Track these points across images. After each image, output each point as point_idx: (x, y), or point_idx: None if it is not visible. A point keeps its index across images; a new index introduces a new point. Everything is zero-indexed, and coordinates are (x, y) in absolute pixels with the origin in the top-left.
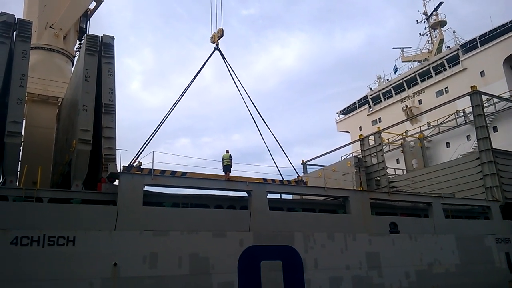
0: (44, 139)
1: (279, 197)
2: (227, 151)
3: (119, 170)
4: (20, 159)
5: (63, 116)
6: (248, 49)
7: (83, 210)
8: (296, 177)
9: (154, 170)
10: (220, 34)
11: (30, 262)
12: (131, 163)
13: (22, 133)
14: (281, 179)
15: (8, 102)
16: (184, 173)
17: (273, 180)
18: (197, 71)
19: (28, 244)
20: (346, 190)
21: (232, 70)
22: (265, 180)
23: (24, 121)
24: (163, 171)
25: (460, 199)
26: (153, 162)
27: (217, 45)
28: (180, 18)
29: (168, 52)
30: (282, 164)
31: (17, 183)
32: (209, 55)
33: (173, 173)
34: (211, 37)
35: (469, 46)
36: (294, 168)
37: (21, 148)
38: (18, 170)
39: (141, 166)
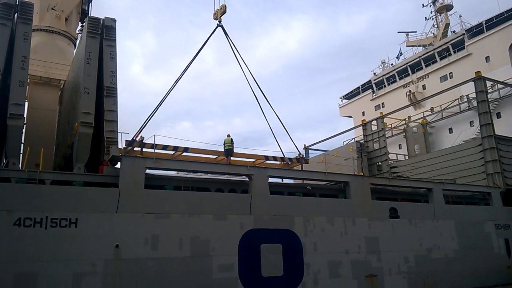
0: (47, 122)
1: (281, 181)
2: (228, 135)
3: (121, 146)
4: (22, 141)
5: (65, 99)
6: (250, 33)
7: (85, 193)
8: (297, 154)
9: (157, 145)
10: (223, 10)
11: (33, 243)
12: (134, 138)
13: (25, 116)
14: (282, 156)
15: (10, 85)
16: (186, 149)
17: (274, 157)
18: (200, 47)
19: (31, 225)
20: (346, 175)
21: (235, 47)
22: (266, 157)
23: (26, 103)
24: (165, 146)
25: (461, 185)
26: (154, 145)
27: (220, 21)
28: (180, 0)
29: (170, 35)
30: (284, 149)
31: (20, 165)
32: (211, 32)
33: (175, 148)
34: (214, 14)
35: (475, 31)
36: (296, 146)
37: (24, 130)
38: (21, 152)
39: (143, 141)
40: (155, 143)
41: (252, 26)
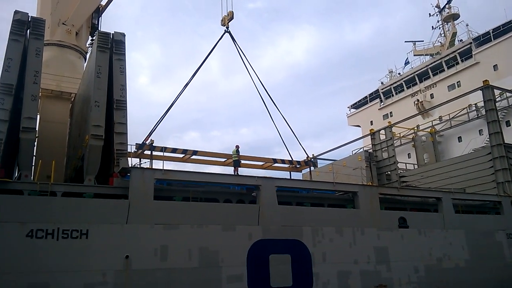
0: (58, 134)
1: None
2: (236, 146)
3: (132, 150)
4: (34, 154)
5: (76, 111)
6: (255, 43)
7: (95, 204)
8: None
9: (166, 148)
10: (230, 16)
11: (44, 254)
12: (144, 141)
13: (37, 129)
14: (291, 159)
15: (23, 99)
16: (195, 152)
17: (283, 160)
18: (208, 52)
19: (43, 236)
20: (355, 185)
21: (243, 52)
22: (274, 160)
23: (38, 116)
24: (174, 149)
25: (470, 194)
26: (164, 148)
27: (227, 27)
28: (186, 11)
29: (175, 46)
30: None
31: (32, 178)
32: (219, 37)
33: (185, 151)
34: (221, 20)
35: (482, 40)
36: (304, 149)
37: (36, 143)
38: (33, 164)
39: (153, 144)
40: (165, 146)
41: (257, 37)
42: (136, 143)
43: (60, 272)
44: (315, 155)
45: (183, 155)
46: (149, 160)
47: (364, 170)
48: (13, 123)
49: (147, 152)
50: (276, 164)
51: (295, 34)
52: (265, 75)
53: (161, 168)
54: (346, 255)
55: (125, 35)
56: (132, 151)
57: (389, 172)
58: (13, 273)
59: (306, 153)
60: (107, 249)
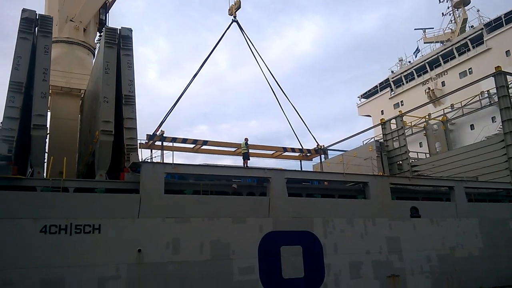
0: (69, 131)
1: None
2: (245, 139)
3: (143, 142)
4: (46, 151)
5: (86, 108)
6: (262, 34)
7: (107, 199)
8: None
9: (176, 138)
10: (237, 5)
11: (58, 250)
12: (155, 132)
13: (47, 126)
14: (301, 147)
15: (33, 96)
16: (205, 142)
17: (293, 149)
18: (216, 42)
19: (57, 232)
20: (365, 176)
21: (250, 41)
22: (284, 148)
23: (49, 113)
24: (185, 139)
25: (483, 182)
26: (173, 139)
27: (234, 17)
28: (191, 5)
29: (182, 40)
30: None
31: (44, 174)
32: (226, 27)
33: (195, 141)
34: (229, 9)
35: (494, 25)
36: (314, 138)
37: (47, 139)
38: (45, 161)
39: (164, 135)
40: (175, 136)
41: (264, 28)
42: (147, 134)
43: (73, 267)
44: (325, 146)
45: (194, 145)
46: (160, 151)
47: (375, 160)
48: (24, 121)
49: (158, 143)
50: (286, 153)
51: (302, 24)
52: (272, 66)
53: (171, 162)
54: (358, 245)
55: (132, 30)
56: (144, 142)
57: (400, 162)
58: (27, 268)
59: (316, 141)
60: (120, 243)
